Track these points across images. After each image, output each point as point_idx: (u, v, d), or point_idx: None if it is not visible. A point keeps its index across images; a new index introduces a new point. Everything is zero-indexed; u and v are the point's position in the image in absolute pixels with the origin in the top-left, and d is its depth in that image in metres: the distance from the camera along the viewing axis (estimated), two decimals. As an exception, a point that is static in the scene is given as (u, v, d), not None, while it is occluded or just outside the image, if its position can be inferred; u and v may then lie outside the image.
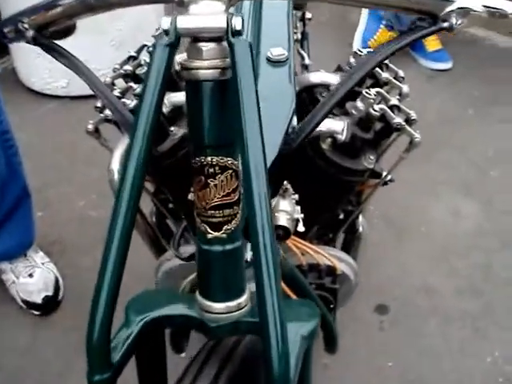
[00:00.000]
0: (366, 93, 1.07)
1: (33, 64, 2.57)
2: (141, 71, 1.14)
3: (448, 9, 0.58)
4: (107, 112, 1.07)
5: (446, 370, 1.51)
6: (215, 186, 0.57)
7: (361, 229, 1.29)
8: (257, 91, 0.49)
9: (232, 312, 0.63)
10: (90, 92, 2.73)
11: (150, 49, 1.24)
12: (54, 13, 0.65)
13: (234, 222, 0.60)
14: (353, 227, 1.28)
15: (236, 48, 0.50)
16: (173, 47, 0.52)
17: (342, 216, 1.24)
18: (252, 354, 0.67)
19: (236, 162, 0.58)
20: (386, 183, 1.19)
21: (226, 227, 0.60)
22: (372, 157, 1.10)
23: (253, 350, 0.68)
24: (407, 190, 1.97)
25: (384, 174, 1.15)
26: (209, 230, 0.60)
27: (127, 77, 1.19)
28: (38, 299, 1.63)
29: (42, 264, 1.71)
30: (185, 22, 0.51)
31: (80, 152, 2.27)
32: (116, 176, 1.15)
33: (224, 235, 0.60)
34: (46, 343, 1.58)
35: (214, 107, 0.54)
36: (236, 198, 0.59)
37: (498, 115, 2.47)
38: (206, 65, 0.52)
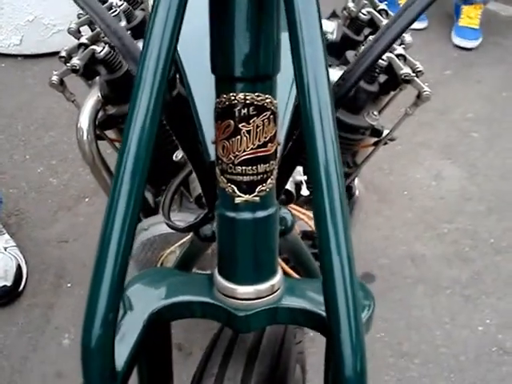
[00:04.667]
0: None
1: (-19, 19, 2.36)
2: (112, 14, 0.99)
3: None
4: (74, 61, 0.93)
5: (438, 341, 1.44)
6: (248, 132, 0.43)
7: (357, 193, 1.18)
8: (318, 4, 0.35)
9: (264, 297, 0.49)
10: (45, 50, 2.55)
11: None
12: None
13: (269, 181, 0.46)
14: (348, 191, 1.17)
15: None
16: None
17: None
18: (277, 346, 0.55)
19: (275, 102, 0.44)
20: (385, 143, 1.10)
21: (259, 188, 0.46)
22: (375, 113, 1.00)
23: (276, 341, 0.55)
24: (388, 152, 1.88)
25: (386, 132, 1.06)
26: (237, 192, 0.46)
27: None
28: None
29: (5, 249, 1.54)
30: None
31: (35, 114, 2.13)
32: (85, 135, 1.02)
33: (256, 198, 0.46)
34: (8, 324, 1.43)
35: (251, 24, 0.40)
36: (273, 149, 0.46)
37: (476, 76, 2.40)
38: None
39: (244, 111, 0.43)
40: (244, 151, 0.45)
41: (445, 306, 1.52)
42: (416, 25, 2.64)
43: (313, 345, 1.27)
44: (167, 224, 0.69)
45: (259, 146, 0.45)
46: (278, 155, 0.48)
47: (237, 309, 0.50)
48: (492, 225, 1.75)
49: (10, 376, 1.33)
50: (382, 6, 1.09)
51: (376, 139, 1.07)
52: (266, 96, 0.43)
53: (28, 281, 1.53)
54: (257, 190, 0.46)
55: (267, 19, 0.41)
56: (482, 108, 2.23)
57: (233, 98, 0.43)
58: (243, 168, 0.45)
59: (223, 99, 0.44)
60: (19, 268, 1.52)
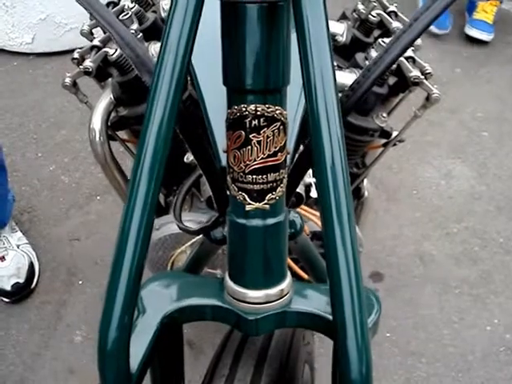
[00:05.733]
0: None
1: (-7, 18, 2.38)
2: (124, 17, 1.01)
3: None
4: (87, 63, 0.94)
5: (446, 340, 1.45)
6: (259, 143, 0.45)
7: (366, 193, 1.19)
8: (327, 16, 0.36)
9: (274, 301, 0.51)
10: (57, 48, 2.56)
11: (133, -8, 1.10)
12: None
13: (278, 189, 0.48)
14: (358, 192, 1.18)
15: None
16: None
17: (346, 180, 1.14)
18: (286, 349, 0.56)
19: (285, 112, 0.45)
20: (394, 144, 1.10)
21: (269, 196, 0.47)
22: (384, 114, 1.01)
23: (285, 343, 0.56)
24: (397, 152, 1.89)
25: (395, 133, 1.06)
26: (248, 200, 0.47)
27: (107, 24, 1.06)
28: (8, 286, 1.48)
29: (18, 246, 1.56)
30: None
31: (47, 112, 2.15)
32: (98, 136, 1.03)
33: (266, 206, 0.48)
34: (20, 321, 1.46)
35: (263, 39, 0.41)
36: (283, 158, 0.47)
37: (486, 75, 2.40)
38: (254, -18, 0.39)
39: (255, 122, 0.45)
40: (254, 161, 0.46)
41: (453, 306, 1.53)
42: (437, 31, 2.59)
43: (322, 345, 1.28)
44: (178, 226, 0.70)
45: (269, 156, 0.46)
46: (288, 163, 0.49)
47: (246, 312, 0.52)
48: (501, 224, 1.76)
49: (22, 372, 1.35)
50: (392, 7, 1.09)
51: (385, 140, 1.08)
52: (276, 107, 0.45)
53: (40, 278, 1.56)
54: (267, 198, 0.48)
55: (277, 34, 0.42)
56: (492, 107, 2.23)
57: (244, 109, 0.44)
58: (254, 177, 0.47)
59: (234, 110, 0.45)
60: (31, 265, 1.54)
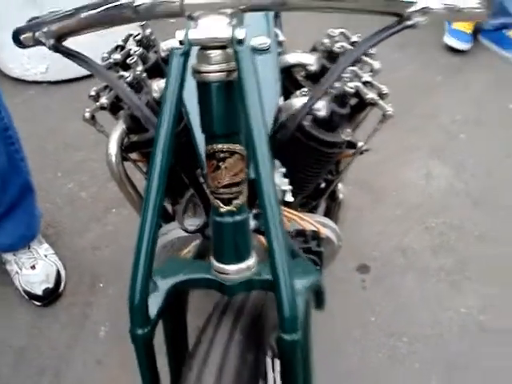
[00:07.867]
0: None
1: (11, 50, 2.58)
2: (131, 61, 1.21)
3: (412, 9, 0.65)
4: (102, 100, 1.14)
5: (425, 322, 1.63)
6: (225, 168, 0.67)
7: (341, 196, 1.39)
8: (259, 90, 0.58)
9: (243, 272, 0.74)
10: (69, 76, 2.77)
11: (137, 37, 1.31)
12: (72, 23, 0.72)
13: (241, 197, 0.71)
14: (333, 194, 1.38)
15: (240, 55, 0.59)
16: (187, 55, 0.60)
17: (323, 185, 1.34)
18: (258, 307, 0.79)
19: (242, 147, 0.68)
20: (361, 153, 1.29)
21: (235, 202, 0.70)
22: (349, 129, 1.20)
23: (258, 303, 0.79)
24: (379, 156, 2.04)
25: (360, 144, 1.25)
26: (221, 205, 0.70)
27: (116, 65, 1.26)
28: (39, 291, 1.70)
29: (45, 256, 1.77)
30: (196, 33, 0.60)
31: (63, 136, 2.35)
32: (114, 159, 1.23)
33: (234, 209, 0.70)
34: (51, 321, 1.68)
35: (223, 104, 0.64)
36: (242, 177, 0.70)
37: (464, 82, 2.59)
38: (215, 69, 0.62)
39: (222, 155, 0.67)
40: (224, 179, 0.68)
41: (431, 292, 1.72)
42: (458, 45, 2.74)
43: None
44: (181, 228, 0.92)
45: (233, 176, 0.68)
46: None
47: (225, 280, 0.75)
48: (477, 218, 1.94)
49: (57, 364, 1.56)
50: (355, 37, 1.29)
51: (353, 150, 1.27)
52: (236, 145, 0.67)
53: (67, 283, 1.77)
54: (233, 203, 0.71)
55: (232, 99, 0.65)
56: (469, 111, 2.40)
57: (215, 147, 0.67)
58: (223, 190, 0.69)
59: (209, 147, 0.68)
60: (58, 272, 1.76)
